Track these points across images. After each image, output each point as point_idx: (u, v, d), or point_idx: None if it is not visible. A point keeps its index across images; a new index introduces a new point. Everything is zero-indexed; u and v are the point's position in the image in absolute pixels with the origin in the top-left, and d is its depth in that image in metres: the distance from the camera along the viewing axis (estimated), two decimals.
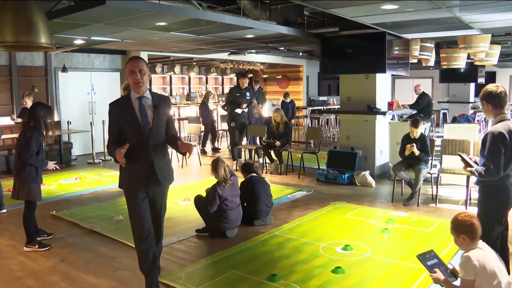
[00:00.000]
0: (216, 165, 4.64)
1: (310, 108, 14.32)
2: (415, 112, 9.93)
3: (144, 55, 10.54)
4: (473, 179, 5.01)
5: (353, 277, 3.67)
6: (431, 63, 9.26)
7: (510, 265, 3.16)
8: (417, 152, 5.80)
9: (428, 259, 2.67)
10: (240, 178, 5.19)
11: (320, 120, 12.07)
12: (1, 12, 3.75)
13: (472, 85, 13.57)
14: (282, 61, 14.75)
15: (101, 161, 9.43)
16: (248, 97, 8.46)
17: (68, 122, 9.28)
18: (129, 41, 7.96)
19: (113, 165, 8.62)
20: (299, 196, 6.41)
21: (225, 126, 11.17)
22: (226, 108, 9.09)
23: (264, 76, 16.41)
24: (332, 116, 12.77)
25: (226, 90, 14.80)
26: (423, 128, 6.85)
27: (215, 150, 11.04)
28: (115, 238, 4.66)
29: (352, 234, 4.75)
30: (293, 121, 11.86)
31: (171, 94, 13.81)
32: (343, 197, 6.33)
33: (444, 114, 13.72)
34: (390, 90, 9.07)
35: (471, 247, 2.55)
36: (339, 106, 9.31)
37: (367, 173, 7.11)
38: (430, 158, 6.17)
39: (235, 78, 15.69)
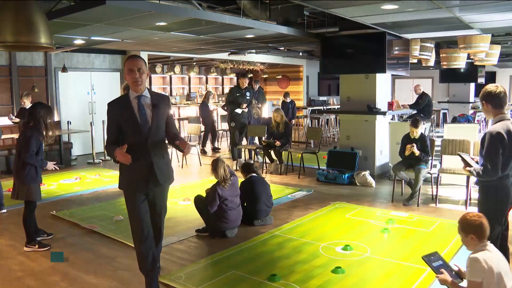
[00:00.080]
0: (216, 165, 4.64)
1: (310, 108, 14.31)
2: (415, 112, 9.93)
3: (144, 55, 10.54)
4: (473, 179, 5.01)
5: (353, 277, 3.67)
6: (431, 63, 9.26)
7: (510, 265, 3.16)
8: (417, 152, 5.80)
9: (433, 260, 2.65)
10: (240, 178, 5.19)
11: (320, 120, 12.06)
12: (1, 12, 3.75)
13: (472, 85, 13.57)
14: (282, 61, 14.75)
15: (101, 161, 9.43)
16: (248, 97, 8.46)
17: (68, 122, 9.28)
18: (129, 41, 7.96)
19: (113, 165, 8.62)
20: (299, 196, 6.42)
21: (225, 126, 11.16)
22: (226, 108, 9.09)
23: (264, 76, 16.41)
24: (332, 116, 12.77)
25: (226, 90, 14.80)
26: (423, 128, 6.85)
27: (215, 150, 11.04)
28: (115, 238, 4.66)
29: (352, 234, 4.75)
30: (293, 121, 11.84)
31: (171, 94, 13.81)
32: (343, 197, 6.33)
33: (444, 114, 13.72)
34: (390, 90, 9.07)
35: (479, 247, 2.53)
36: (339, 106, 9.31)
37: (367, 173, 7.11)
38: (430, 158, 6.17)
39: (235, 78, 15.69)
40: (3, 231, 5.00)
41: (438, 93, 16.79)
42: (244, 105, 8.40)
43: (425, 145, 5.92)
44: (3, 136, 7.59)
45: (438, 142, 6.82)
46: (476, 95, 12.94)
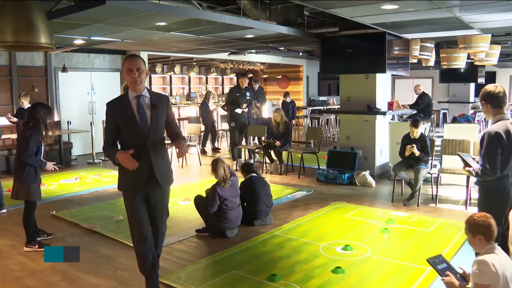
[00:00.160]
0: (216, 165, 4.64)
1: (310, 108, 14.31)
2: (415, 112, 9.93)
3: (144, 55, 10.54)
4: (473, 179, 5.01)
5: (353, 277, 3.67)
6: (431, 63, 9.26)
7: None
8: (417, 153, 5.80)
9: (438, 263, 2.63)
10: (240, 178, 5.19)
11: (320, 120, 12.06)
12: (1, 12, 3.75)
13: (472, 85, 13.57)
14: (282, 61, 14.75)
15: (101, 161, 9.43)
16: (248, 97, 8.46)
17: (68, 122, 9.28)
18: (129, 41, 7.96)
19: (113, 165, 8.61)
20: (299, 196, 6.42)
21: (225, 126, 11.16)
22: (226, 108, 9.08)
23: (264, 76, 16.41)
24: (332, 116, 12.77)
25: (226, 90, 14.79)
26: (423, 128, 6.85)
27: (215, 150, 11.04)
28: (115, 238, 4.66)
29: (352, 234, 4.75)
30: (293, 121, 11.83)
31: (171, 94, 13.81)
32: (343, 197, 6.33)
33: (444, 114, 13.72)
34: (390, 90, 9.07)
35: (487, 249, 2.50)
36: (339, 106, 9.31)
37: (367, 173, 7.11)
38: (430, 158, 6.17)
39: (235, 78, 15.68)
40: (3, 231, 5.00)
41: (438, 93, 16.79)
42: (244, 105, 8.39)
43: (425, 145, 5.92)
44: (3, 136, 7.58)
45: (438, 142, 6.82)
46: (476, 95, 12.93)
